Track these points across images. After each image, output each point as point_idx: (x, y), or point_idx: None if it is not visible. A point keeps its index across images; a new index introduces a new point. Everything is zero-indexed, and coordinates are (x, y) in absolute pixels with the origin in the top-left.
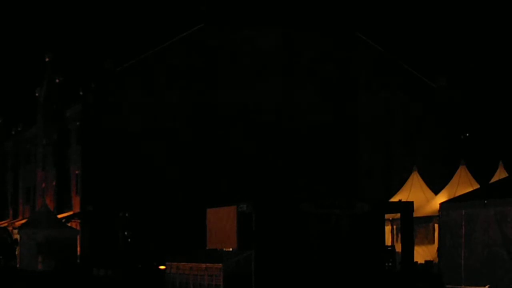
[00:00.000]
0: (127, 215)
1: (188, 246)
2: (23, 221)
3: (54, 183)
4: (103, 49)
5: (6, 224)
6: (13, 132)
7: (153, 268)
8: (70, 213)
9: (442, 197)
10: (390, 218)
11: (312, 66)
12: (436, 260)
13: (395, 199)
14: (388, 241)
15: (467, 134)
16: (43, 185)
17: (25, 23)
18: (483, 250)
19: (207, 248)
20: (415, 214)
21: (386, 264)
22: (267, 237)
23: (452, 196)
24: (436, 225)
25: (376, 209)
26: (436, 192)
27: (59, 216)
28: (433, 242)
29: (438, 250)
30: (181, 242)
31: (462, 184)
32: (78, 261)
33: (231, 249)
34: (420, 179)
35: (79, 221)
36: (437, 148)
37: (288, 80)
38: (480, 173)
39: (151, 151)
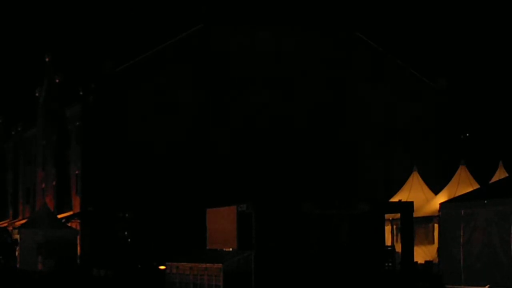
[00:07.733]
0: (127, 215)
1: (188, 246)
2: (23, 221)
3: (54, 183)
4: (103, 50)
5: (6, 224)
6: (13, 132)
7: (153, 268)
8: (70, 213)
9: (442, 197)
10: (390, 218)
11: (312, 66)
12: (436, 260)
13: (395, 199)
14: (388, 241)
15: (467, 134)
16: (43, 185)
17: (25, 23)
18: (483, 250)
19: (207, 248)
20: (415, 214)
21: (386, 264)
22: (267, 237)
23: (452, 196)
24: (436, 225)
25: (376, 209)
26: (436, 192)
27: (59, 216)
28: (433, 242)
29: (438, 250)
30: (181, 242)
31: (462, 184)
32: (78, 261)
33: (231, 249)
34: (420, 179)
35: (79, 221)
36: (437, 148)
37: (288, 80)
38: (480, 173)
39: (151, 151)
